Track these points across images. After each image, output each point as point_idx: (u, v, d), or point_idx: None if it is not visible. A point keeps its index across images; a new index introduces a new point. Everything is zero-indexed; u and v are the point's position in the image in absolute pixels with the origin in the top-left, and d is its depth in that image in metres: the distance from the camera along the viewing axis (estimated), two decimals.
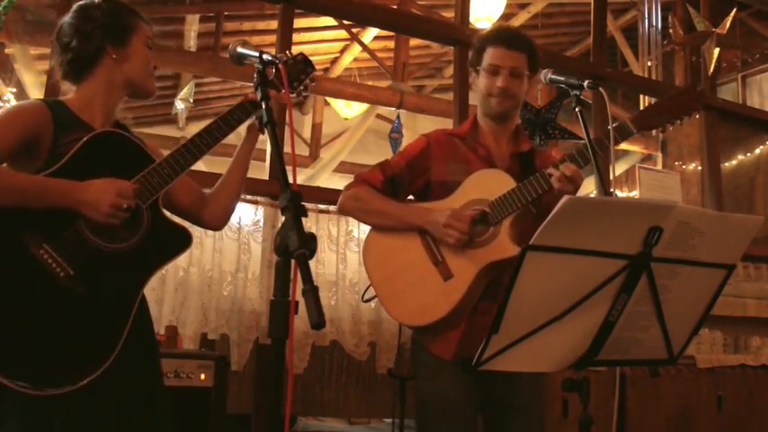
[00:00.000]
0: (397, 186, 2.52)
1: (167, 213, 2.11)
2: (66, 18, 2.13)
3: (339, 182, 8.21)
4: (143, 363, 2.02)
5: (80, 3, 2.13)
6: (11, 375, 1.75)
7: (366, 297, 2.52)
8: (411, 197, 2.60)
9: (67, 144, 1.96)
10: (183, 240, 2.05)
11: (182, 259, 3.52)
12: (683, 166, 7.34)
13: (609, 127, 2.27)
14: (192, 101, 7.00)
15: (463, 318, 2.34)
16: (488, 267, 2.30)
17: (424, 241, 2.39)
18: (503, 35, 2.52)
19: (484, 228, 2.34)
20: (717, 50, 6.06)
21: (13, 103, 6.10)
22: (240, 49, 1.96)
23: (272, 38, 6.81)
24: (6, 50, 5.55)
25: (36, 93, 5.48)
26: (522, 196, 2.30)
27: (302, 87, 2.27)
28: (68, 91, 2.15)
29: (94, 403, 1.85)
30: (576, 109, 2.22)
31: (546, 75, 2.37)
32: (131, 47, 2.11)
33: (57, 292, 1.85)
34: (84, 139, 1.96)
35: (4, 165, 1.96)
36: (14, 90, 6.01)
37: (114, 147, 2.04)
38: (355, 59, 8.41)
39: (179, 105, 7.00)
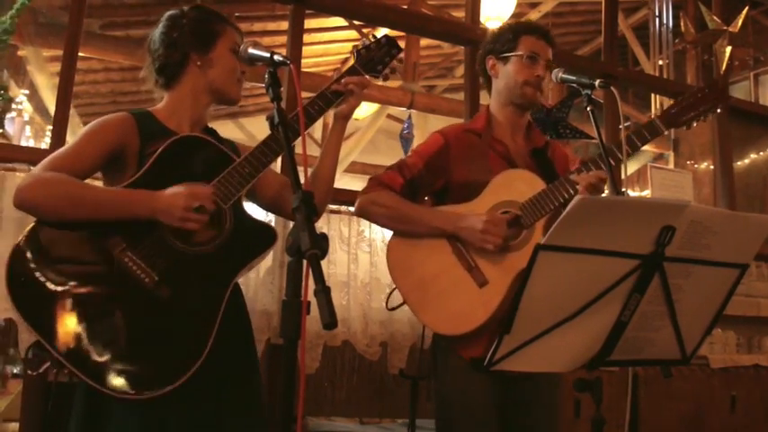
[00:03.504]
0: (416, 188, 2.47)
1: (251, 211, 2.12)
2: (157, 28, 2.17)
3: (350, 182, 8.20)
4: (239, 360, 2.05)
5: (170, 12, 2.18)
6: (105, 384, 1.78)
7: (392, 305, 2.44)
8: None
9: (153, 153, 1.99)
10: (268, 238, 2.05)
11: None
12: (695, 165, 7.29)
13: (622, 133, 2.26)
14: None
15: (497, 323, 2.26)
16: (524, 272, 2.26)
17: (453, 247, 2.33)
18: (538, 27, 2.52)
19: (517, 231, 2.30)
20: (729, 49, 6.02)
21: (26, 104, 6.14)
22: (252, 50, 1.96)
23: (283, 38, 6.82)
24: (19, 52, 5.59)
25: (48, 94, 5.50)
26: (554, 198, 2.27)
27: (388, 70, 2.30)
28: (160, 100, 2.19)
29: (193, 401, 1.88)
30: (588, 108, 2.20)
31: (557, 74, 2.33)
32: (215, 53, 2.13)
33: (143, 298, 1.87)
34: (162, 146, 1.98)
35: (79, 178, 1.96)
36: (27, 92, 6.05)
37: (193, 151, 2.05)
38: None
39: None
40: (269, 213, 2.56)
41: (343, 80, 2.21)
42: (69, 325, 1.82)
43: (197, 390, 1.86)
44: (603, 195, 2.24)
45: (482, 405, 2.33)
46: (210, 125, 2.26)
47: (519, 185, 2.34)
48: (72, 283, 1.85)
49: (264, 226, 2.08)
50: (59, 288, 1.84)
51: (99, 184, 2.11)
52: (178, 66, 2.13)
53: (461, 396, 2.35)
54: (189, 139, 2.06)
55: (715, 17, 6.16)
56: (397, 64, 2.32)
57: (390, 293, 2.44)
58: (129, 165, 2.01)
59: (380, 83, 2.36)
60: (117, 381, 1.79)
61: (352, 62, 2.28)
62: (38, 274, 1.84)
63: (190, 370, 1.82)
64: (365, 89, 2.24)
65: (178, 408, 1.86)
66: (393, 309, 2.45)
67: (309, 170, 2.22)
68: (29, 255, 1.85)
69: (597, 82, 2.21)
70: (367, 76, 2.27)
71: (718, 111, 2.39)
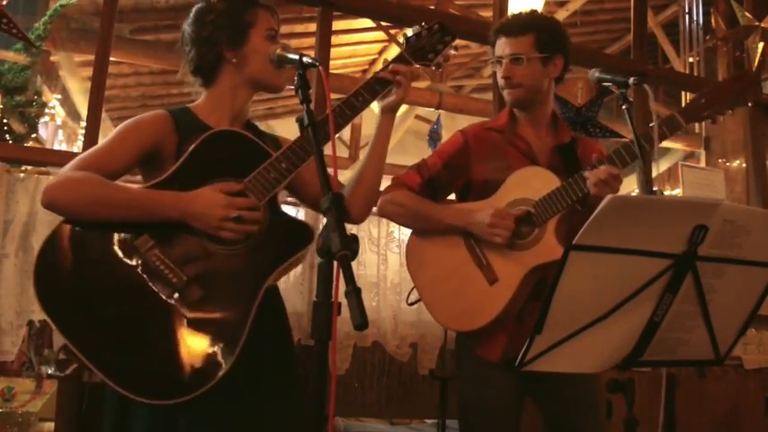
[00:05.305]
0: (436, 188, 2.48)
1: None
2: (186, 24, 2.11)
3: None
4: (275, 357, 1.99)
5: (197, 6, 2.10)
6: (131, 388, 1.73)
7: (411, 300, 2.48)
8: (452, 196, 2.58)
9: None
10: (305, 237, 1.93)
11: None
12: (727, 164, 7.20)
13: (653, 123, 2.22)
14: None
15: (510, 320, 2.31)
16: (534, 270, 2.26)
17: (467, 244, 2.36)
18: (503, 24, 2.49)
19: (528, 229, 2.29)
20: (761, 45, 5.94)
21: (59, 109, 6.23)
22: (281, 53, 1.97)
23: (311, 41, 6.85)
24: (52, 58, 5.68)
25: (81, 98, 5.59)
26: (567, 196, 2.25)
27: (441, 58, 2.21)
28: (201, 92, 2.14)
29: (222, 401, 1.83)
30: (624, 107, 2.16)
31: (593, 73, 2.29)
32: (249, 46, 2.04)
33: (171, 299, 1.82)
34: (196, 142, 1.92)
35: (110, 178, 1.92)
36: (60, 96, 6.14)
37: (229, 146, 1.98)
38: None
39: None
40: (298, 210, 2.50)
41: (390, 67, 2.11)
42: (97, 327, 1.77)
43: (228, 393, 1.82)
44: (634, 194, 2.22)
45: (502, 404, 2.35)
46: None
47: (534, 183, 2.33)
48: (99, 284, 1.81)
49: (301, 224, 2.00)
50: (87, 289, 1.80)
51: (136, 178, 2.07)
52: (213, 66, 2.06)
53: (481, 395, 2.37)
54: (224, 134, 1.98)
55: (746, 13, 6.08)
56: (452, 52, 2.21)
57: (412, 290, 2.47)
58: (168, 162, 1.94)
59: (430, 76, 2.31)
60: (145, 385, 1.74)
61: (382, 62, 2.26)
62: (65, 275, 1.81)
63: (218, 375, 1.78)
64: (415, 80, 2.13)
65: (197, 407, 1.78)
66: (411, 304, 2.49)
67: (344, 172, 2.19)
68: (56, 256, 1.82)
69: (631, 80, 2.18)
70: (417, 65, 2.16)
71: (749, 104, 2.31)
